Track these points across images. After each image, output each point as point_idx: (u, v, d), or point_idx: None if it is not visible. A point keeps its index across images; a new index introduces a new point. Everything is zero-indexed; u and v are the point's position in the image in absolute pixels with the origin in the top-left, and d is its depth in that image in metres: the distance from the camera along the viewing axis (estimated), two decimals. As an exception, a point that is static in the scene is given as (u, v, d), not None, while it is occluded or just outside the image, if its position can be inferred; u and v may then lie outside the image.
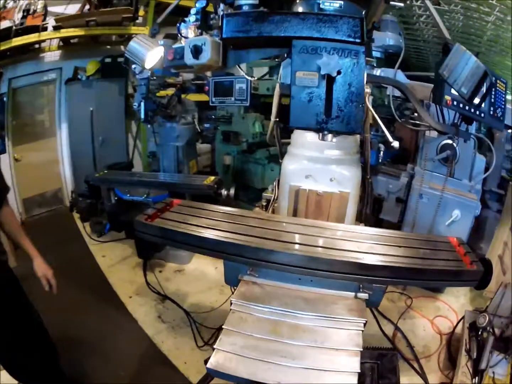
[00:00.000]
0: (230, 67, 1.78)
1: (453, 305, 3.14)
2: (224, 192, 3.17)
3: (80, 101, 4.91)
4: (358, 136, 2.19)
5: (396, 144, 1.79)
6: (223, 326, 1.36)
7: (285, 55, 1.80)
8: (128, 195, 3.14)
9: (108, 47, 5.37)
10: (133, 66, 3.20)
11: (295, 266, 1.54)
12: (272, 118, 2.35)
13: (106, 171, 3.43)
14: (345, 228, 1.94)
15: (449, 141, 2.83)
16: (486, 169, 2.81)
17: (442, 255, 1.53)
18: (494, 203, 3.07)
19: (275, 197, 2.45)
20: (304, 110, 1.60)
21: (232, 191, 3.21)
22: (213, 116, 4.59)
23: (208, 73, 4.14)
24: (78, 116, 4.99)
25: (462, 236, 2.85)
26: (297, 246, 1.61)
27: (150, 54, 2.06)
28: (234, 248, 1.55)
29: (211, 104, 3.83)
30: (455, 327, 2.72)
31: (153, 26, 2.30)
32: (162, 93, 3.65)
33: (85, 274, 3.68)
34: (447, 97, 1.68)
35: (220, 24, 1.60)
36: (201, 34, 1.69)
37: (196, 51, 1.59)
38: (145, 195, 3.07)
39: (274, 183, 2.62)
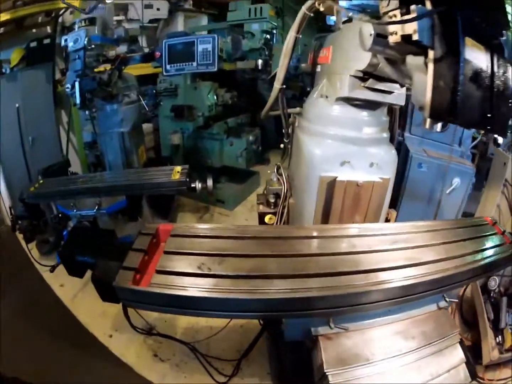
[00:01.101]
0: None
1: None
2: (198, 185, 2.42)
3: (5, 98, 3.86)
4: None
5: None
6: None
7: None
8: (75, 209, 2.24)
9: (34, 30, 4.27)
10: (64, 37, 2.57)
11: (391, 299, 1.11)
12: (278, 84, 1.74)
13: (41, 181, 2.39)
14: (398, 230, 1.52)
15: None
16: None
17: (490, 242, 1.48)
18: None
19: (287, 192, 1.92)
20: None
21: (210, 183, 2.48)
22: (153, 91, 3.72)
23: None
24: (3, 116, 3.91)
25: (460, 204, 2.89)
26: (384, 275, 1.15)
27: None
28: (314, 302, 1.01)
29: (164, 74, 2.92)
30: (463, 291, 2.72)
31: None
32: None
33: (47, 314, 2.76)
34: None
35: None
36: None
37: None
38: (96, 207, 2.20)
39: (279, 170, 2.08)
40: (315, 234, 1.33)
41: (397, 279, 1.15)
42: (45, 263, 3.22)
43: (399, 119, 3.00)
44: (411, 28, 0.82)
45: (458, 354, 1.25)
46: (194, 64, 2.63)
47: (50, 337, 2.50)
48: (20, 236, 3.64)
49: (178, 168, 2.39)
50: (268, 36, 3.70)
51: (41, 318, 2.66)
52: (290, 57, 1.64)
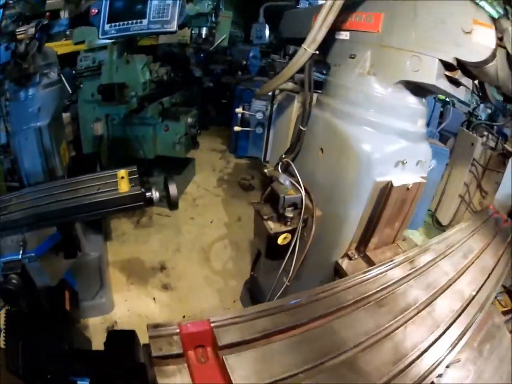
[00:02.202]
0: None
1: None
2: (155, 194, 1.78)
3: None
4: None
5: None
6: None
7: None
8: None
9: None
10: None
11: None
12: (311, 48, 1.24)
13: None
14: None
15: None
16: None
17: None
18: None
19: (312, 201, 1.50)
20: None
21: (173, 190, 1.86)
22: (73, 72, 2.74)
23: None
24: None
25: (437, 186, 2.94)
26: None
27: None
28: None
29: (101, 37, 1.99)
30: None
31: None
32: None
33: None
34: None
35: None
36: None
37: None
38: (21, 248, 1.38)
39: (290, 167, 1.61)
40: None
41: None
42: None
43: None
44: None
45: None
46: (145, 21, 1.87)
47: None
48: None
49: (122, 172, 1.69)
50: (216, -1, 3.06)
51: None
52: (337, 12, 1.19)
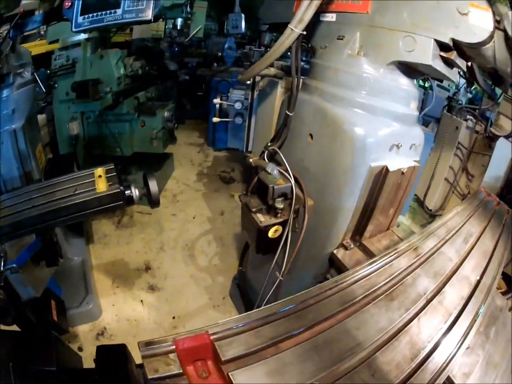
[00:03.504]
0: None
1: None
2: (135, 192, 1.65)
3: None
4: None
5: None
6: None
7: None
8: None
9: None
10: None
11: None
12: (298, 28, 1.16)
13: None
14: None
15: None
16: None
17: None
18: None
19: (303, 190, 1.44)
20: None
21: (154, 187, 1.73)
22: (47, 71, 2.55)
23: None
24: None
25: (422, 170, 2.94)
26: None
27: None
28: None
29: (74, 30, 1.78)
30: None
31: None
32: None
33: None
34: None
35: None
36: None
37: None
38: (1, 260, 1.23)
39: (276, 156, 1.53)
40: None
41: None
42: None
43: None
44: None
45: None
46: (119, 11, 1.72)
47: None
48: None
49: (100, 171, 1.58)
50: (194, -12, 2.92)
51: None
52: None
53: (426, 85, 2.93)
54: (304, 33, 1.18)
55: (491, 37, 0.96)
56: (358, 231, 1.40)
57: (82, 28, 1.79)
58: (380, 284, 0.84)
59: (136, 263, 2.58)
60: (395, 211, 1.46)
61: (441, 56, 1.03)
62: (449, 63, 1.08)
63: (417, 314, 0.79)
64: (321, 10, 1.31)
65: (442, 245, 1.06)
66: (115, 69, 2.73)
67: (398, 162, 1.27)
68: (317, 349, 0.64)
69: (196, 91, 4.90)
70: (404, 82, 1.17)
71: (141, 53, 3.84)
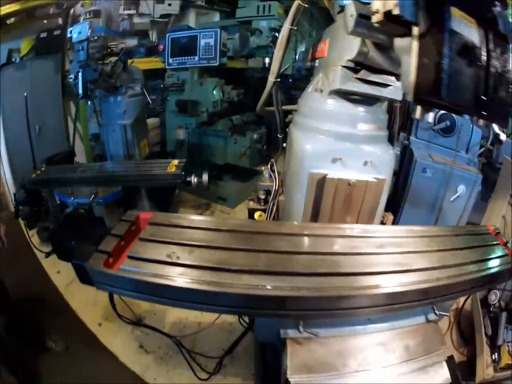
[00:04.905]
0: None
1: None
2: (194, 179, 2.41)
3: (14, 87, 3.98)
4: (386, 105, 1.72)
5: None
6: None
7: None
8: (72, 197, 2.28)
9: (45, 21, 4.34)
10: (69, 29, 2.64)
11: (370, 306, 1.04)
12: (272, 78, 1.70)
13: (43, 168, 2.47)
14: (389, 233, 1.45)
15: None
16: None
17: (492, 252, 1.40)
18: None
19: (278, 188, 1.87)
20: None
21: (205, 178, 2.47)
22: (161, 85, 3.73)
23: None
24: (11, 104, 4.03)
25: (466, 212, 2.77)
26: (366, 280, 1.07)
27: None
28: (280, 301, 0.95)
29: (167, 67, 2.92)
30: (463, 304, 2.60)
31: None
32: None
33: (41, 298, 2.87)
34: None
35: None
36: None
37: None
38: (92, 196, 2.22)
39: (273, 167, 2.02)
40: (296, 231, 1.28)
41: (381, 285, 1.07)
42: (45, 250, 3.32)
43: (406, 123, 2.94)
44: (392, 3, 0.75)
45: (443, 374, 1.14)
46: (196, 58, 2.61)
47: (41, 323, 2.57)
48: (22, 223, 3.75)
49: (175, 162, 2.40)
50: (276, 34, 3.67)
51: (34, 303, 2.74)
52: (285, 50, 1.60)
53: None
54: (278, 80, 1.66)
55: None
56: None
57: (172, 66, 2.74)
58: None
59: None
60: (355, 221, 1.67)
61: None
62: (371, 82, 1.33)
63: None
64: (314, 57, 1.76)
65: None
66: (210, 95, 3.66)
67: (344, 173, 1.53)
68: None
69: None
70: (346, 108, 1.47)
71: (245, 81, 4.73)
